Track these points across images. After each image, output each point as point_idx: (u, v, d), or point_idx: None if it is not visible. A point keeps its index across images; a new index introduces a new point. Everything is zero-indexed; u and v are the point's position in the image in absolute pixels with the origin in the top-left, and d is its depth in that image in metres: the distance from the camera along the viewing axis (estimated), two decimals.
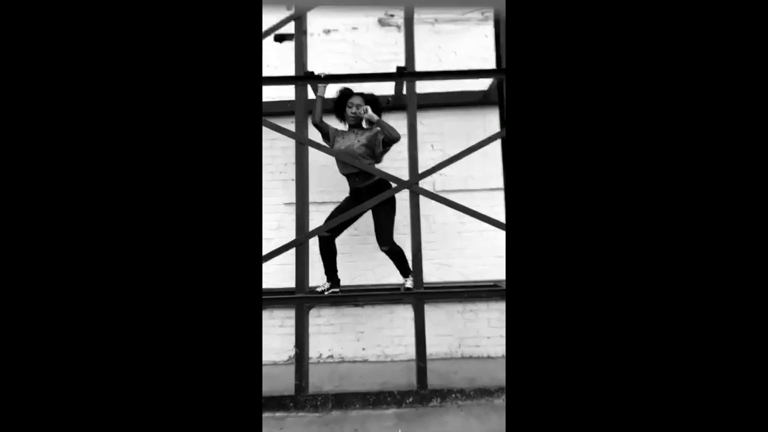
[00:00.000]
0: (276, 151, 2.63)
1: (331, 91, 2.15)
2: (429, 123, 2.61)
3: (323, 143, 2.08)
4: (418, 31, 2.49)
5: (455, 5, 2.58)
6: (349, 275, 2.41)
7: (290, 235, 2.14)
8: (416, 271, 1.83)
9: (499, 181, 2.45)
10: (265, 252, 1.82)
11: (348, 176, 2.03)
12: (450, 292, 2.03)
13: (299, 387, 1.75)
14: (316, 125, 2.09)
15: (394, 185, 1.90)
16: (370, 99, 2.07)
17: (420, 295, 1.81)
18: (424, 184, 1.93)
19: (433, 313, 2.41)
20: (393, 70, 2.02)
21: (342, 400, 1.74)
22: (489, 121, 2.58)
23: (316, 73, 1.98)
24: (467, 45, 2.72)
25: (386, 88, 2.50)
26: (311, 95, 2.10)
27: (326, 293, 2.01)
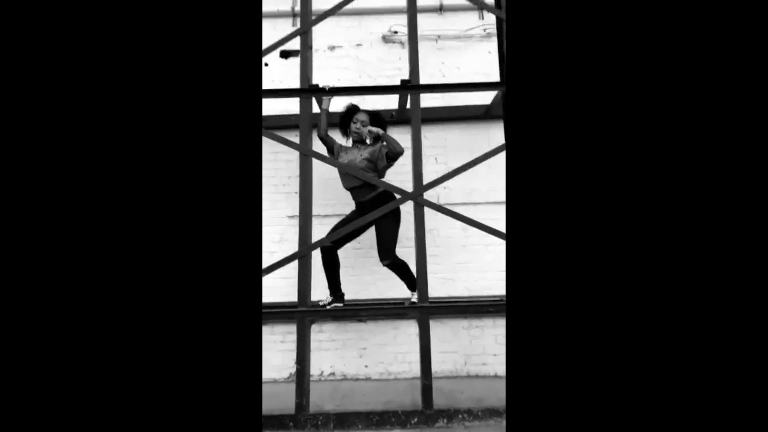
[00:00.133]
0: (280, 164, 2.64)
1: (336, 104, 2.17)
2: (432, 137, 2.62)
3: (327, 156, 2.08)
4: (422, 47, 2.52)
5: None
6: (351, 289, 2.36)
7: (293, 248, 2.11)
8: (421, 285, 1.79)
9: (503, 195, 2.43)
10: (266, 265, 1.79)
11: (351, 190, 2.03)
12: (456, 306, 1.99)
13: (300, 405, 1.69)
14: (321, 138, 2.10)
15: (398, 197, 1.88)
16: (374, 115, 2.09)
17: (425, 309, 1.77)
18: (428, 197, 1.92)
19: (438, 329, 2.35)
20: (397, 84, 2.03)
21: (344, 420, 1.68)
22: (493, 135, 2.59)
23: (320, 86, 2.00)
24: (470, 61, 2.75)
25: (390, 103, 2.53)
26: (316, 109, 2.12)
27: (328, 307, 1.96)
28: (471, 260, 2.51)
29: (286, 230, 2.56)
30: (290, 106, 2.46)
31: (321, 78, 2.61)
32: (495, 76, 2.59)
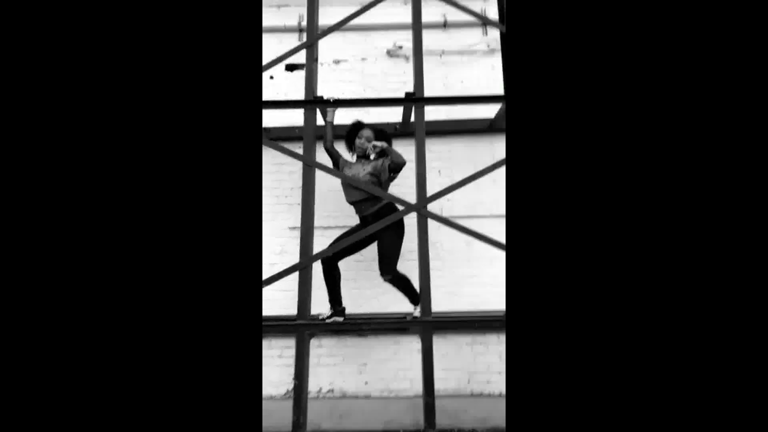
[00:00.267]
0: (283, 175, 2.63)
1: (341, 116, 2.18)
2: (436, 150, 2.62)
3: (330, 168, 2.07)
4: (426, 61, 2.55)
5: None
6: (353, 303, 2.32)
7: (293, 260, 2.08)
8: (424, 299, 1.75)
9: None
10: (266, 276, 1.76)
11: (354, 204, 2.02)
12: (460, 321, 1.93)
13: (297, 424, 1.63)
14: (327, 150, 2.11)
15: (401, 208, 1.86)
16: (378, 131, 2.11)
17: (428, 324, 1.72)
18: (431, 210, 1.90)
19: (441, 345, 2.29)
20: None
21: None
22: (496, 148, 2.58)
23: (325, 98, 2.01)
24: (474, 75, 2.78)
25: (395, 116, 2.54)
26: (320, 121, 2.12)
27: (328, 321, 1.92)
28: (475, 274, 2.46)
29: (288, 242, 2.53)
30: (295, 118, 2.48)
31: (326, 90, 2.63)
32: (498, 90, 2.60)
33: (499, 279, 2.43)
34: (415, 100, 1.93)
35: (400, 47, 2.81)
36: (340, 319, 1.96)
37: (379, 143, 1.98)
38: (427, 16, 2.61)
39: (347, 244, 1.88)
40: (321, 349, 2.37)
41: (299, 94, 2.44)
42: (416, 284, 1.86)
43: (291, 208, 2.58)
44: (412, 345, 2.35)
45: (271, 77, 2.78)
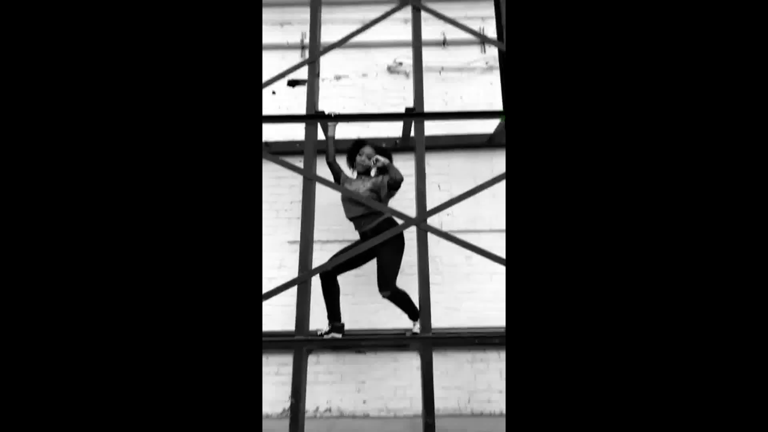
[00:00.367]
0: (282, 189, 2.64)
1: (341, 131, 2.20)
2: (436, 164, 2.63)
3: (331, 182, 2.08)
4: (426, 78, 2.59)
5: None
6: (351, 318, 2.28)
7: (292, 275, 2.06)
8: (424, 314, 1.72)
9: None
10: (265, 291, 1.73)
11: (354, 220, 2.02)
12: (460, 337, 1.90)
13: None
14: (329, 164, 2.13)
15: (400, 222, 1.85)
16: (379, 148, 2.14)
17: (428, 340, 1.68)
18: (431, 224, 1.89)
19: (440, 363, 2.25)
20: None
21: None
22: (495, 163, 2.59)
23: (326, 113, 2.03)
24: (473, 92, 2.82)
25: (395, 130, 2.56)
26: (321, 136, 2.14)
27: (326, 336, 1.88)
28: (475, 289, 2.44)
29: (287, 256, 2.51)
30: (297, 133, 2.50)
31: (327, 106, 2.66)
32: (497, 106, 2.63)
33: (499, 294, 2.40)
34: (415, 115, 1.95)
35: (401, 64, 2.86)
36: (339, 335, 1.93)
37: (381, 158, 2.00)
38: (426, 34, 2.67)
39: (346, 259, 1.86)
40: (319, 366, 2.32)
41: (301, 109, 2.47)
42: (415, 299, 1.84)
43: (290, 222, 2.57)
44: (411, 362, 2.30)
45: (274, 92, 2.81)
